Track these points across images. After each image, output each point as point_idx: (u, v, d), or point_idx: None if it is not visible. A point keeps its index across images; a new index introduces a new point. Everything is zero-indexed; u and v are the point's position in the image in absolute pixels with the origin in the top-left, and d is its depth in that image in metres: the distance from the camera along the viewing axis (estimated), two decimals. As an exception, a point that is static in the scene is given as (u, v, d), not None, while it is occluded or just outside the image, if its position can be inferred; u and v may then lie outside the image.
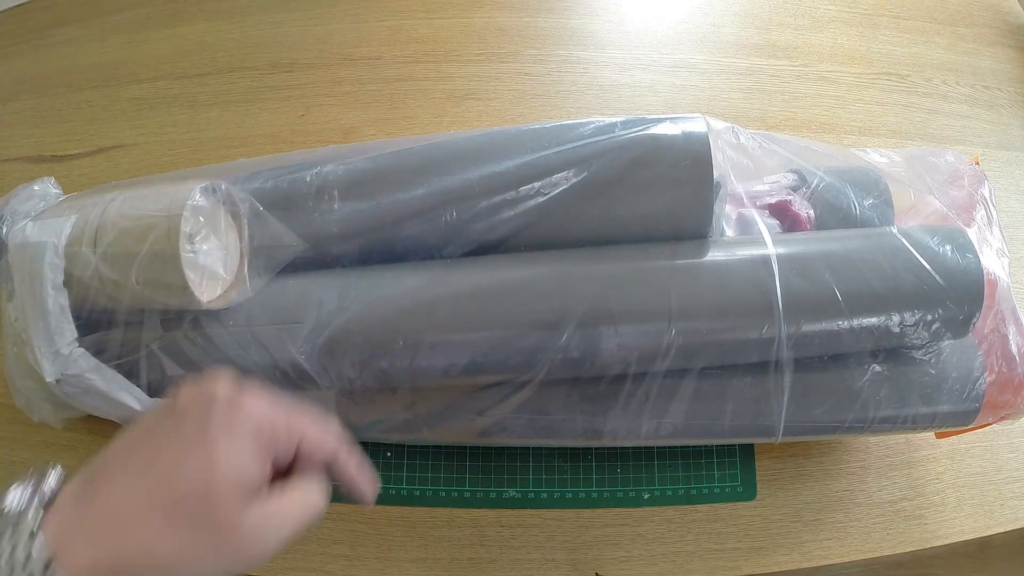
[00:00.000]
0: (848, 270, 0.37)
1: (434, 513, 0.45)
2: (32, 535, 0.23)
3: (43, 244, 0.36)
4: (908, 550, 0.44)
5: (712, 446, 0.46)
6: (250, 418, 0.27)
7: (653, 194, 0.38)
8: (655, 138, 0.38)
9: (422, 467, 0.45)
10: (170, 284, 0.35)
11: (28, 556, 0.23)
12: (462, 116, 0.56)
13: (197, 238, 0.36)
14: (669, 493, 0.45)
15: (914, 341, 0.37)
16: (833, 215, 0.41)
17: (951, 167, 0.43)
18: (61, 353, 0.36)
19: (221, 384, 0.28)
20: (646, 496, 0.45)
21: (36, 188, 0.42)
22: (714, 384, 0.38)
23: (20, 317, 0.37)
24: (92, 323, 0.38)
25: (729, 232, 0.40)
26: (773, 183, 0.42)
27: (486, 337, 0.37)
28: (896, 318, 0.37)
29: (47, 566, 0.23)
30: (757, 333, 0.36)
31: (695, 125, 0.38)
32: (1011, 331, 0.38)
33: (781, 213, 0.41)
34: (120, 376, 0.37)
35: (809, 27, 0.61)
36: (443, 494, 0.45)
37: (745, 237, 0.40)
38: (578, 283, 0.37)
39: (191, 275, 0.35)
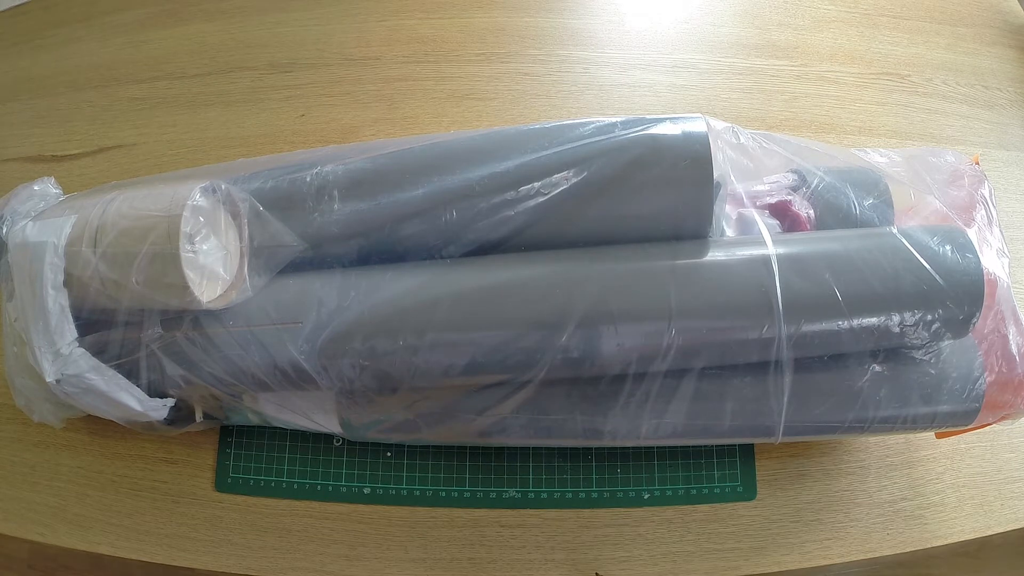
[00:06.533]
0: (848, 270, 0.37)
1: (434, 513, 0.45)
2: None
3: (43, 244, 0.36)
4: (908, 550, 0.44)
5: (712, 446, 0.46)
6: None
7: (653, 194, 0.38)
8: (655, 138, 0.38)
9: (422, 467, 0.45)
10: (170, 284, 0.35)
11: None
12: (462, 116, 0.56)
13: (197, 238, 0.36)
14: (669, 493, 0.45)
15: (914, 341, 0.37)
16: (833, 215, 0.41)
17: (951, 167, 0.43)
18: (61, 353, 0.36)
19: None
20: (646, 496, 0.45)
21: (36, 188, 0.42)
22: (714, 384, 0.38)
23: (20, 317, 0.37)
24: (92, 323, 0.38)
25: (729, 232, 0.40)
26: (773, 183, 0.42)
27: (486, 337, 0.37)
28: (896, 318, 0.37)
29: None
30: (757, 333, 0.36)
31: (695, 125, 0.38)
32: (1011, 331, 0.38)
33: (781, 213, 0.41)
34: (120, 376, 0.37)
35: (809, 27, 0.61)
36: (443, 494, 0.45)
37: (745, 237, 0.40)
38: (578, 283, 0.37)
39: (191, 275, 0.35)
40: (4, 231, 0.39)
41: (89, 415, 0.40)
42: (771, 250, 0.37)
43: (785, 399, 0.37)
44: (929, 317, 0.37)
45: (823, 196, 0.41)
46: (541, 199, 0.37)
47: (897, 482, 0.46)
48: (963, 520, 0.45)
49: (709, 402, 0.38)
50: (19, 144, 0.57)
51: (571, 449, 0.45)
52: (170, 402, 0.39)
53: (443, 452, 0.46)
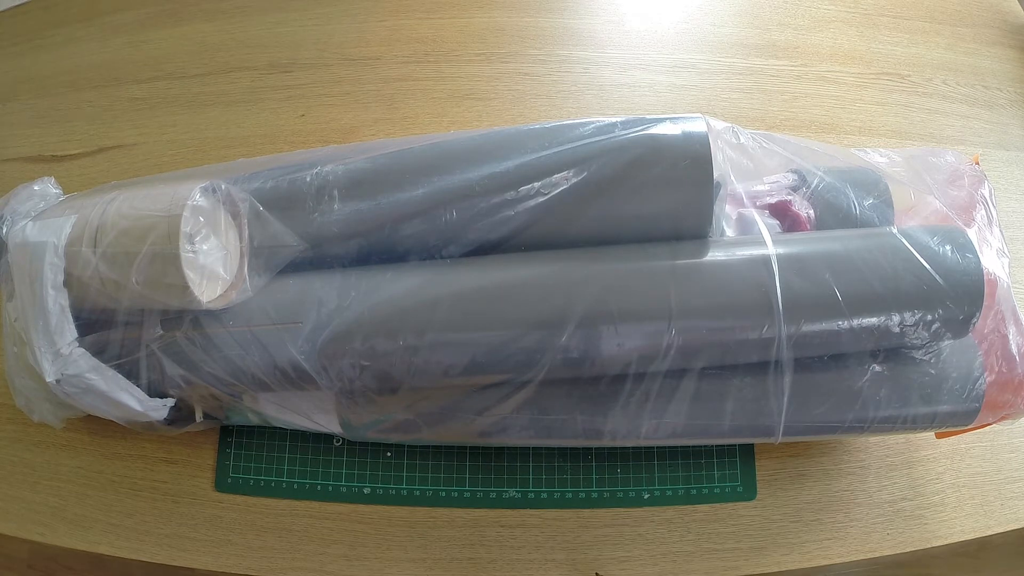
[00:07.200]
0: (848, 270, 0.37)
1: (434, 513, 0.45)
2: None
3: (43, 244, 0.36)
4: (908, 550, 0.44)
5: (712, 446, 0.46)
6: None
7: (653, 194, 0.38)
8: (655, 138, 0.38)
9: (422, 467, 0.45)
10: (170, 284, 0.35)
11: None
12: (462, 116, 0.56)
13: (197, 238, 0.36)
14: (669, 493, 0.45)
15: (914, 341, 0.37)
16: (833, 215, 0.41)
17: (951, 167, 0.43)
18: (61, 353, 0.36)
19: None
20: (646, 496, 0.45)
21: (36, 188, 0.42)
22: (714, 384, 0.38)
23: (20, 317, 0.37)
24: (92, 323, 0.38)
25: (729, 232, 0.40)
26: (773, 183, 0.42)
27: (486, 337, 0.37)
28: (896, 318, 0.37)
29: None
30: (757, 333, 0.36)
31: (695, 125, 0.38)
32: (1011, 331, 0.38)
33: (781, 213, 0.41)
34: (120, 376, 0.37)
35: (809, 27, 0.61)
36: (443, 494, 0.45)
37: (745, 237, 0.40)
38: (578, 283, 0.37)
39: (191, 275, 0.35)
40: (4, 231, 0.39)
41: (89, 415, 0.40)
42: (771, 250, 0.37)
43: (785, 399, 0.37)
44: (929, 317, 0.37)
45: (823, 196, 0.41)
46: (541, 199, 0.37)
47: (897, 482, 0.46)
48: (963, 520, 0.45)
49: (709, 402, 0.38)
50: (19, 144, 0.57)
51: (571, 449, 0.45)
52: (170, 402, 0.39)
53: (443, 452, 0.46)
